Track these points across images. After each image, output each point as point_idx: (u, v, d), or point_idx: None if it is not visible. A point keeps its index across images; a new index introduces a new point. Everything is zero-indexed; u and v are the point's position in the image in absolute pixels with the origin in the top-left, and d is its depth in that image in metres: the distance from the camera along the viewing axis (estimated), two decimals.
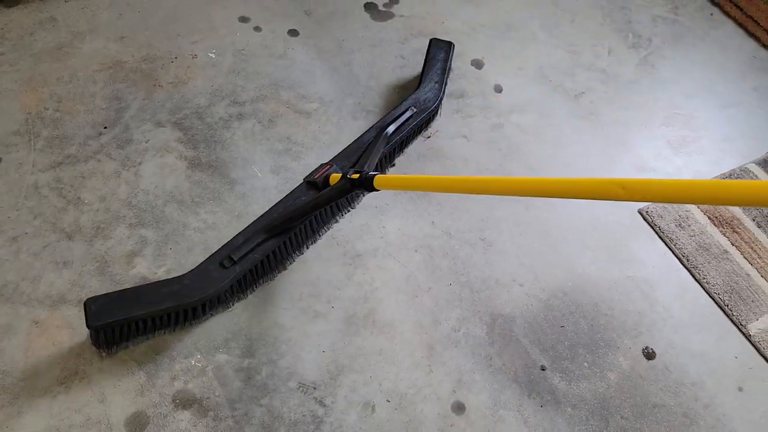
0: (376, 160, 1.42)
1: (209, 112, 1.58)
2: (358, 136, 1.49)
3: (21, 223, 1.32)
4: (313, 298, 1.32)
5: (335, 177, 1.29)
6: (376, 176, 1.11)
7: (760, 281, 1.46)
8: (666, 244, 1.51)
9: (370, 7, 1.90)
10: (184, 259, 1.32)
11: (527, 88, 1.78)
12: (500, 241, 1.47)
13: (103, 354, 1.18)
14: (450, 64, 1.68)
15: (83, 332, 1.20)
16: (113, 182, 1.41)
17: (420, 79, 1.62)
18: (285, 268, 1.35)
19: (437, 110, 1.63)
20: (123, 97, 1.56)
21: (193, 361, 1.20)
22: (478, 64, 1.81)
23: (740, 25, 2.02)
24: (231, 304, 1.29)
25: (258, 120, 1.59)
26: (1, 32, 1.65)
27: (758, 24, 2.01)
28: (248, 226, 1.29)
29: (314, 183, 1.33)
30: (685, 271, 1.47)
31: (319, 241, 1.41)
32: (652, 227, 1.53)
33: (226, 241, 1.25)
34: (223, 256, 1.23)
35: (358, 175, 1.14)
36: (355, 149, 1.45)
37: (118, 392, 1.15)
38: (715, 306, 1.43)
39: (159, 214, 1.38)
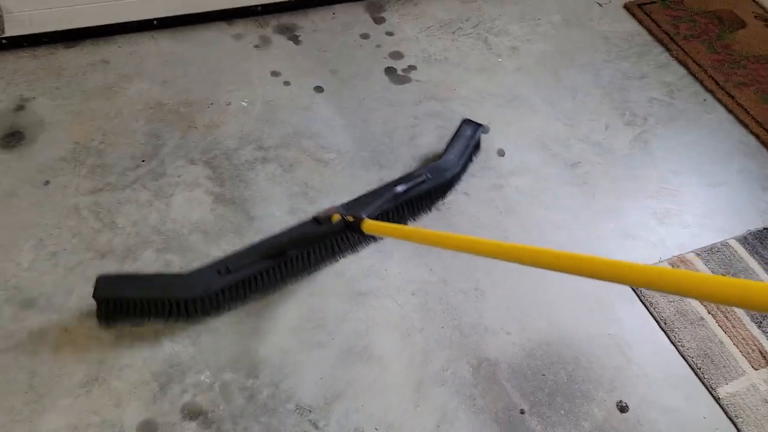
0: (376, 211, 1.55)
1: (237, 154, 1.75)
2: (371, 188, 1.64)
3: (61, 240, 1.48)
4: (317, 328, 1.45)
5: (336, 217, 1.43)
6: (365, 221, 1.26)
7: (733, 349, 1.57)
8: (646, 307, 1.62)
9: (390, 71, 2.09)
10: None
11: (527, 154, 1.94)
12: (492, 292, 1.59)
13: (103, 325, 1.35)
14: (474, 143, 1.80)
15: (107, 342, 1.33)
16: (146, 210, 1.57)
17: (444, 152, 1.76)
18: (274, 291, 1.48)
19: (453, 183, 1.75)
20: (161, 135, 1.74)
21: (202, 377, 1.32)
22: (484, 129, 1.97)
23: (730, 111, 2.19)
24: (220, 310, 1.42)
25: (280, 164, 1.75)
26: (59, 69, 1.85)
27: (747, 112, 2.17)
28: (250, 246, 1.44)
29: (318, 219, 1.48)
30: (662, 333, 1.58)
31: (329, 277, 1.54)
32: (634, 290, 1.65)
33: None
34: (222, 266, 1.39)
35: (353, 219, 1.30)
36: (365, 200, 1.60)
37: (133, 399, 1.27)
38: (688, 368, 1.53)
39: (184, 242, 1.52)
